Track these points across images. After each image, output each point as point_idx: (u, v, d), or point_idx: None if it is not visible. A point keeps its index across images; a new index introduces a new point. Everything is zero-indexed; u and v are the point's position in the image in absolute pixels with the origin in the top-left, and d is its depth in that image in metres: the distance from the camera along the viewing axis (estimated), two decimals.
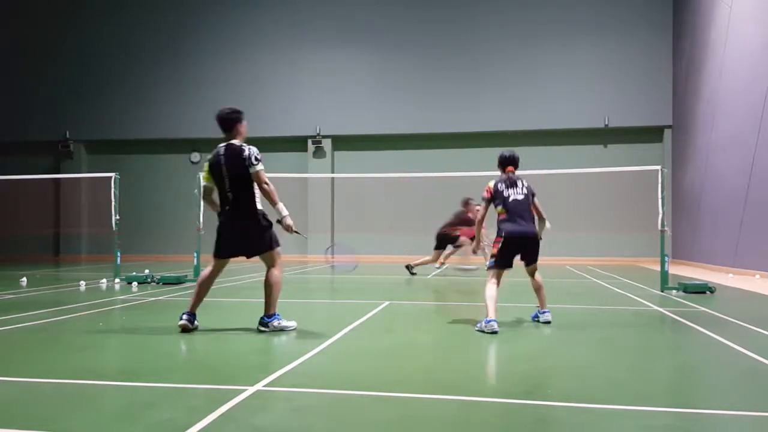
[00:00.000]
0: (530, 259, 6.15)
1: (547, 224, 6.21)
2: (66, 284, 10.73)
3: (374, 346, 5.07)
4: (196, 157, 21.31)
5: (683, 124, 17.87)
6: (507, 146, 19.07)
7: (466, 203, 13.47)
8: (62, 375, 4.01)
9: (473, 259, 13.49)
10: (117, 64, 21.43)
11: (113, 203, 11.20)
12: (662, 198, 9.27)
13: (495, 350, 5.06)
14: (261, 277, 5.70)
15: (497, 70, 19.58)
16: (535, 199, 6.16)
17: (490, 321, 5.55)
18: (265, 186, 5.35)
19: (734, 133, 13.68)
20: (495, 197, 6.08)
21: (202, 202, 10.82)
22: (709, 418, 3.20)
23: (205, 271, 5.70)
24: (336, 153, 20.69)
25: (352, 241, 19.71)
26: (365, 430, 2.95)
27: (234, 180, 5.42)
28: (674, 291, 9.09)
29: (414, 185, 18.69)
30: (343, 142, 20.58)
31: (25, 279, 10.91)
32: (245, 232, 5.50)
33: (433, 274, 12.91)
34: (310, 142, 20.40)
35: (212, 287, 5.83)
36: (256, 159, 5.38)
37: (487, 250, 8.89)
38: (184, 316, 5.54)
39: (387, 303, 7.80)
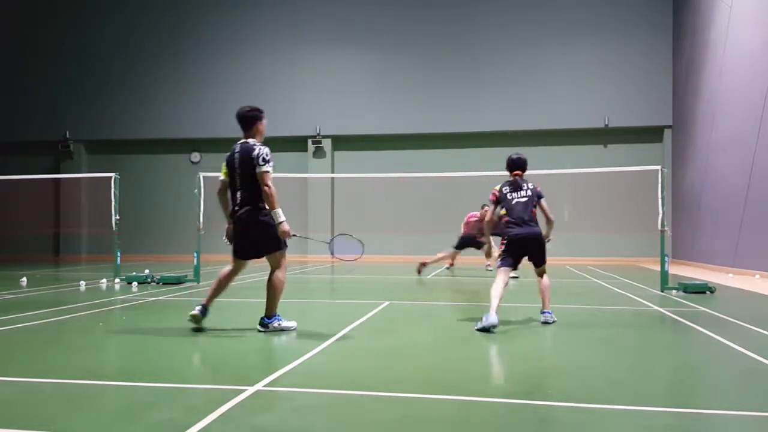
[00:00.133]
0: (537, 261, 6.25)
1: (550, 235, 6.30)
2: (66, 284, 10.73)
3: (374, 346, 5.07)
4: (196, 157, 21.31)
5: (683, 124, 17.87)
6: (507, 146, 19.15)
7: (482, 208, 13.68)
8: (62, 375, 4.01)
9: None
10: (117, 64, 21.43)
11: (113, 203, 11.20)
12: (662, 198, 9.27)
13: (495, 350, 5.06)
14: (262, 277, 5.70)
15: (497, 70, 19.58)
16: (543, 201, 6.25)
17: (490, 315, 5.60)
18: (266, 188, 5.31)
19: (734, 133, 13.68)
20: (500, 200, 6.26)
21: (202, 202, 10.87)
22: (709, 418, 3.20)
23: (225, 269, 5.70)
24: (336, 153, 20.69)
25: (352, 241, 19.76)
26: (365, 430, 2.95)
27: (243, 179, 5.42)
28: (674, 291, 9.08)
29: (414, 185, 18.69)
30: (343, 142, 20.58)
31: (25, 279, 10.91)
32: (251, 232, 5.48)
33: (433, 274, 12.90)
34: (310, 142, 20.40)
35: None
36: (264, 160, 5.35)
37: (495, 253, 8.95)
38: (197, 307, 5.59)
39: (387, 303, 7.80)
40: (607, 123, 18.91)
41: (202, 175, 11.08)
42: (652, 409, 3.29)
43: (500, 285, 5.94)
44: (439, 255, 13.17)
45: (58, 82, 21.57)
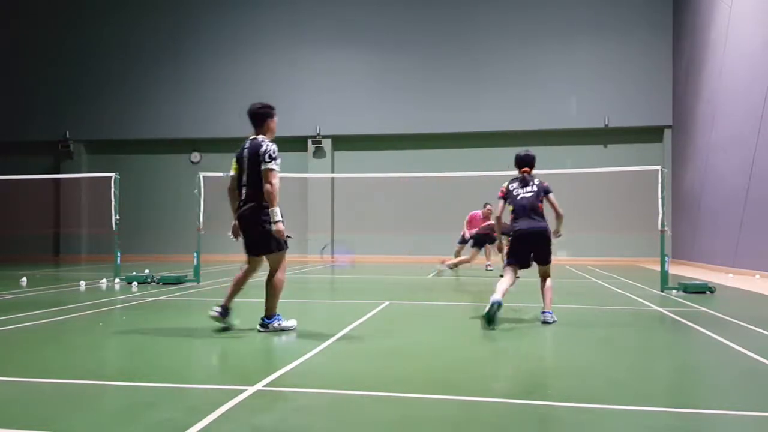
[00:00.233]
0: (541, 258, 6.26)
1: (560, 229, 6.39)
2: (66, 284, 10.73)
3: (374, 346, 5.06)
4: (196, 157, 21.32)
5: (683, 124, 17.87)
6: (507, 146, 19.17)
7: (484, 206, 13.77)
8: (62, 375, 4.01)
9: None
10: (117, 64, 21.43)
11: (113, 203, 11.20)
12: (662, 198, 9.27)
13: (495, 350, 5.06)
14: (261, 277, 5.70)
15: (497, 70, 19.58)
16: (551, 196, 6.30)
17: (493, 297, 5.69)
18: (268, 186, 5.27)
19: (734, 133, 13.68)
20: (507, 196, 6.34)
21: (202, 202, 10.87)
22: (709, 418, 3.20)
23: (243, 267, 5.69)
24: (336, 153, 20.69)
25: (352, 241, 19.79)
26: (365, 430, 2.95)
27: (250, 175, 5.41)
28: (674, 291, 9.09)
29: (414, 185, 18.69)
30: (343, 142, 20.58)
31: (25, 279, 10.91)
32: (251, 230, 5.46)
33: (433, 274, 12.90)
34: (310, 142, 20.40)
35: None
36: (270, 157, 5.32)
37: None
38: (216, 308, 5.59)
39: (387, 303, 7.80)
40: (607, 123, 18.92)
41: (202, 175, 11.09)
42: (652, 409, 3.29)
43: (506, 283, 6.01)
44: (463, 257, 12.92)
45: (58, 82, 21.57)
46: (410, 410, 3.28)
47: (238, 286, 5.69)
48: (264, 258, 5.58)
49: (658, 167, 9.44)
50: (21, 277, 11.06)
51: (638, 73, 18.90)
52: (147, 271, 11.24)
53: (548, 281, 6.35)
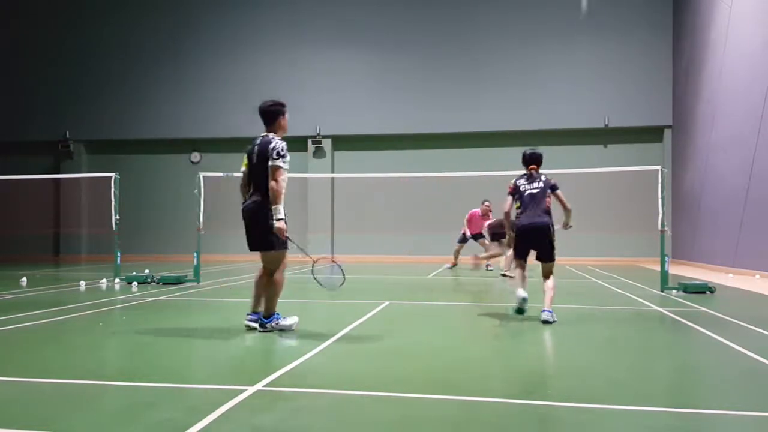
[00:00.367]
0: (543, 255, 6.46)
1: (570, 221, 6.69)
2: (66, 284, 10.73)
3: (374, 346, 5.06)
4: (196, 157, 21.31)
5: (683, 124, 17.87)
6: (507, 146, 19.16)
7: (482, 203, 13.88)
8: (62, 375, 4.01)
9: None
10: (117, 64, 21.43)
11: (113, 203, 11.20)
12: (662, 198, 9.27)
13: (495, 350, 5.06)
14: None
15: (497, 70, 19.58)
16: (558, 192, 6.53)
17: (518, 293, 6.36)
18: (273, 183, 5.24)
19: (734, 133, 13.68)
20: (515, 193, 6.56)
21: (202, 202, 10.87)
22: (709, 418, 3.20)
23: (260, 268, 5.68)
24: (336, 153, 20.68)
25: (352, 241, 19.77)
26: (365, 430, 2.95)
27: (258, 171, 5.40)
28: (674, 291, 9.09)
29: (414, 185, 18.68)
30: (343, 142, 20.58)
31: (25, 279, 10.91)
32: (252, 227, 5.43)
33: (433, 274, 12.90)
34: (310, 142, 20.40)
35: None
36: (279, 154, 5.30)
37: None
38: (249, 316, 5.62)
39: (387, 303, 7.80)
40: (607, 123, 18.91)
41: (202, 175, 11.09)
42: (652, 409, 3.29)
43: (518, 272, 6.52)
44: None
45: (58, 82, 21.57)
46: (410, 410, 3.28)
47: (256, 288, 5.65)
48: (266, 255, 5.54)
49: (658, 167, 9.45)
50: (21, 277, 11.06)
51: (638, 73, 18.89)
52: (147, 271, 11.24)
53: (551, 280, 6.41)
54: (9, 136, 21.51)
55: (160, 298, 8.43)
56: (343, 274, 6.32)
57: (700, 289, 8.99)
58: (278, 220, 5.25)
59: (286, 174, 5.35)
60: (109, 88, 21.41)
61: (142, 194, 20.20)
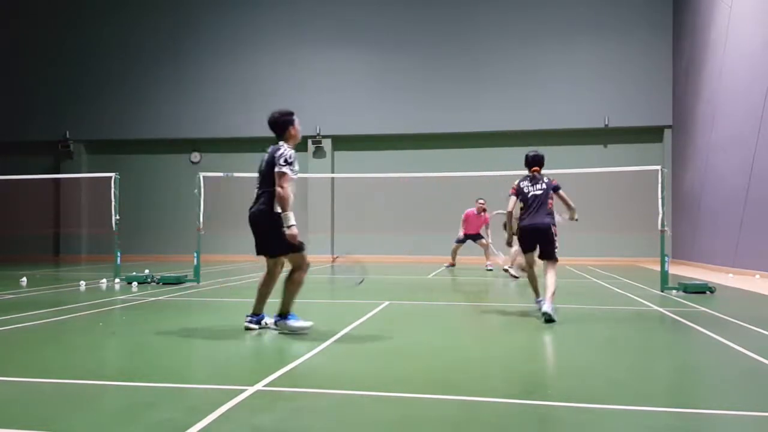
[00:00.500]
0: (545, 253, 6.58)
1: (575, 215, 6.94)
2: (66, 284, 10.73)
3: (374, 346, 5.07)
4: (196, 157, 21.31)
5: (683, 124, 17.87)
6: (507, 146, 19.15)
7: (477, 201, 13.93)
8: (62, 375, 4.01)
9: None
10: (117, 64, 21.43)
11: (113, 203, 11.20)
12: (662, 198, 9.27)
13: (495, 350, 5.06)
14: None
15: (497, 70, 19.58)
16: (560, 192, 6.73)
17: (537, 301, 6.58)
18: (279, 189, 5.24)
19: (734, 133, 13.68)
20: (518, 194, 6.74)
21: (202, 202, 10.87)
22: (709, 418, 3.20)
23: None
24: (336, 153, 20.68)
25: (352, 241, 19.76)
26: (365, 430, 2.95)
27: (264, 177, 5.42)
28: (674, 291, 9.09)
29: (414, 185, 18.68)
30: (343, 142, 20.58)
31: (25, 279, 10.91)
32: (254, 229, 5.48)
33: (433, 274, 12.90)
34: (310, 142, 20.38)
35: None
36: (286, 161, 5.29)
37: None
38: (248, 318, 5.65)
39: (387, 303, 7.80)
40: (607, 123, 18.91)
41: (202, 175, 11.09)
42: (652, 409, 3.29)
43: (531, 272, 6.75)
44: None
45: (58, 82, 21.56)
46: (410, 410, 3.28)
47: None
48: (280, 259, 5.60)
49: (658, 167, 9.45)
50: (21, 277, 11.06)
51: (638, 73, 18.89)
52: (147, 271, 11.24)
53: (552, 276, 6.50)
54: (9, 136, 21.51)
55: (160, 298, 8.44)
56: (363, 275, 6.58)
57: (700, 289, 8.99)
58: (290, 227, 5.25)
59: (292, 180, 5.31)
60: (109, 88, 21.41)
61: (142, 194, 20.19)
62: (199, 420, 2.96)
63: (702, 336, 5.54)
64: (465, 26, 19.79)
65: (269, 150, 5.51)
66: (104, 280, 10.71)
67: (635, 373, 4.16)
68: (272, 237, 5.34)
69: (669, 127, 18.89)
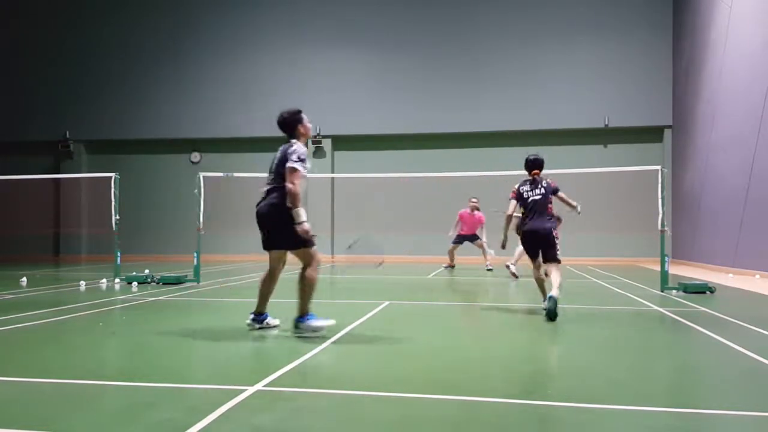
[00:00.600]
0: (546, 254, 6.66)
1: (578, 208, 7.02)
2: (66, 284, 10.73)
3: (374, 346, 5.07)
4: (196, 157, 21.31)
5: (683, 124, 17.87)
6: (507, 146, 19.14)
7: (470, 201, 13.92)
8: (62, 375, 4.01)
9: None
10: (117, 64, 21.42)
11: (113, 203, 11.20)
12: (662, 198, 9.27)
13: (495, 350, 5.06)
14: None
15: (497, 70, 19.57)
16: (560, 193, 6.87)
17: (544, 302, 6.47)
18: (290, 185, 5.23)
19: (734, 133, 13.68)
20: (518, 198, 6.85)
21: (202, 202, 10.87)
22: (709, 418, 3.20)
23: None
24: (336, 153, 20.68)
25: (352, 241, 19.74)
26: (365, 430, 2.95)
27: (274, 174, 5.43)
28: (674, 291, 9.08)
29: (414, 185, 18.68)
30: (343, 142, 20.58)
31: (25, 279, 10.91)
32: (263, 224, 5.45)
33: (433, 274, 12.90)
34: (310, 142, 20.39)
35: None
36: (299, 158, 5.31)
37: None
38: (252, 317, 5.65)
39: (387, 303, 7.80)
40: (607, 123, 18.91)
41: (202, 175, 11.09)
42: (652, 409, 3.29)
43: (535, 273, 6.79)
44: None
45: (58, 82, 21.56)
46: (410, 410, 3.28)
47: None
48: (284, 254, 5.59)
49: (658, 167, 9.45)
50: (21, 277, 11.06)
51: (638, 73, 18.89)
52: (147, 271, 11.24)
53: (556, 273, 6.59)
54: (9, 136, 21.51)
55: (160, 298, 8.44)
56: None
57: (700, 289, 8.99)
58: (301, 222, 5.25)
59: (302, 177, 5.30)
60: (109, 88, 21.41)
61: (142, 194, 20.19)
62: (199, 420, 2.96)
63: (702, 336, 5.54)
64: (465, 26, 19.79)
65: (281, 148, 5.52)
66: (104, 280, 10.71)
67: (635, 373, 4.16)
68: (283, 230, 5.33)
69: (669, 127, 18.89)
